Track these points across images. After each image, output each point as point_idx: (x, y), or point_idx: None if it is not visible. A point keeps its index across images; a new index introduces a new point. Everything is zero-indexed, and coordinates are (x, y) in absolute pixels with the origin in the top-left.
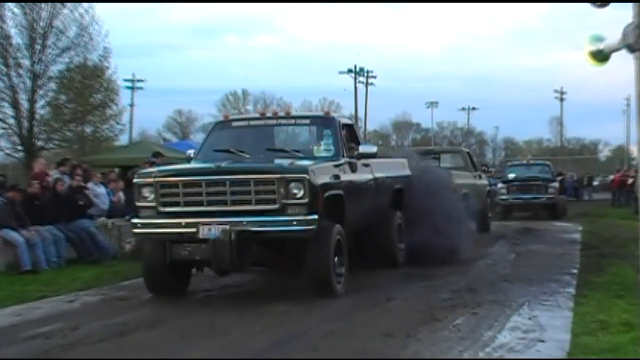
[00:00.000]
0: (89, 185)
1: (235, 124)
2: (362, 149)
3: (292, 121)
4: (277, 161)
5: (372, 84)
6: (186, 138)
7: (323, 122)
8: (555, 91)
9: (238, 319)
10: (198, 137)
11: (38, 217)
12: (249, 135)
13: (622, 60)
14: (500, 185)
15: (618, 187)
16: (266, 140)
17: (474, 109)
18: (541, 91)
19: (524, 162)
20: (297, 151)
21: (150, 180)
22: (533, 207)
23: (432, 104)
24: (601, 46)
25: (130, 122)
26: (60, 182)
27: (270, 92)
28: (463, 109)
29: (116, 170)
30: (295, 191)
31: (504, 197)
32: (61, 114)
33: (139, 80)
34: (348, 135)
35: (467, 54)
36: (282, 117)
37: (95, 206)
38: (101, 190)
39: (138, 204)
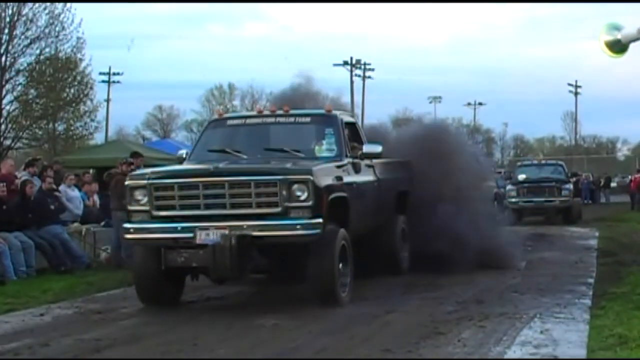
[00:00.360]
0: (61, 188)
1: (230, 122)
2: (366, 148)
3: (292, 119)
4: (279, 162)
5: (369, 77)
6: (167, 136)
7: (324, 120)
8: (570, 85)
9: (224, 334)
10: (180, 136)
11: (5, 222)
12: (245, 134)
13: None
14: (509, 187)
15: (638, 189)
16: (263, 140)
17: (480, 104)
18: (554, 85)
19: (535, 162)
20: (298, 151)
21: (144, 182)
22: (545, 210)
23: (435, 99)
24: (618, 36)
25: (107, 119)
26: (29, 185)
27: (259, 86)
28: (469, 104)
29: (91, 171)
30: (298, 193)
31: (513, 200)
32: (31, 110)
33: (115, 74)
34: (350, 134)
35: (473, 45)
36: (280, 115)
37: (68, 211)
38: (74, 193)
39: (130, 207)
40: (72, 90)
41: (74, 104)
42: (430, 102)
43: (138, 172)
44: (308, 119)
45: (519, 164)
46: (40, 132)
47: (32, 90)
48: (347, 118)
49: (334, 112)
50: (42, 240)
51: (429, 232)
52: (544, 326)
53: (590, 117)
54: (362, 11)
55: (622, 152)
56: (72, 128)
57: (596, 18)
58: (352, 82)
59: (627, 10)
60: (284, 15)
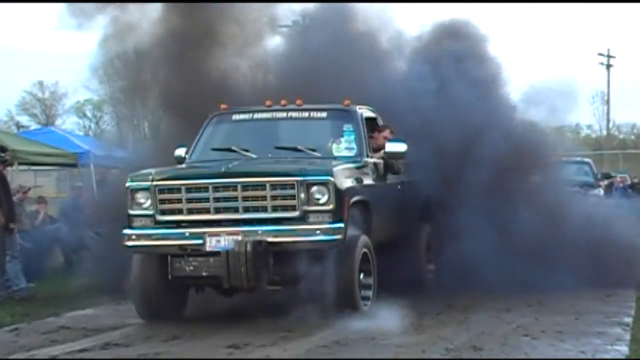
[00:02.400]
0: None
1: (235, 117)
2: (389, 147)
3: (306, 114)
4: (296, 162)
5: None
6: (51, 123)
7: (342, 115)
8: (600, 55)
9: None
10: (69, 122)
11: None
12: (253, 130)
13: None
14: None
15: None
16: (274, 137)
17: None
18: (578, 55)
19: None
20: (313, 150)
21: (147, 184)
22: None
23: None
24: None
25: None
26: None
27: None
28: None
29: None
30: (318, 196)
31: None
32: None
33: None
34: (371, 131)
35: None
36: (292, 109)
37: None
38: None
39: (131, 211)
40: None
41: None
42: None
43: (140, 172)
44: (324, 114)
45: None
46: None
47: None
48: (367, 113)
49: (353, 106)
50: None
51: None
52: None
53: (629, 99)
54: None
55: None
56: None
57: None
58: None
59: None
60: None
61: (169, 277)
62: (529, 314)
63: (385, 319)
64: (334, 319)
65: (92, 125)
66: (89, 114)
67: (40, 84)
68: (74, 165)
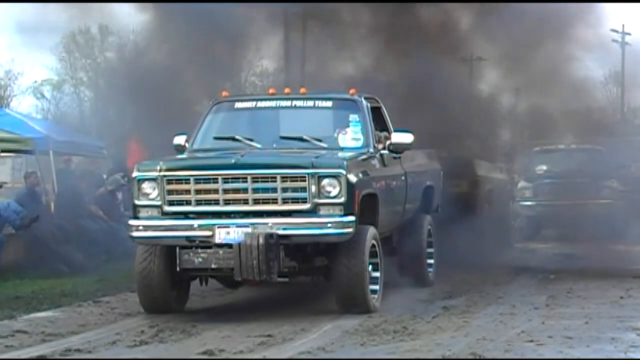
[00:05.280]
0: None
1: (238, 104)
2: (396, 138)
3: (310, 103)
4: (307, 153)
5: None
6: (5, 105)
7: (349, 104)
8: (613, 31)
9: None
10: (26, 105)
11: None
12: (256, 119)
13: None
14: (522, 184)
15: None
16: (278, 126)
17: (479, 59)
18: (589, 31)
19: (562, 146)
20: (319, 140)
21: (155, 174)
22: (577, 219)
23: None
24: None
25: None
26: None
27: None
28: (463, 58)
29: None
30: (329, 189)
31: (529, 203)
32: None
33: None
34: (376, 121)
35: None
36: (297, 98)
37: None
38: None
39: (137, 202)
40: None
41: None
42: None
43: (147, 162)
44: (329, 104)
45: (537, 149)
46: None
47: None
48: (373, 102)
49: (359, 95)
50: None
51: None
52: None
53: None
54: None
55: None
56: None
57: None
58: None
59: None
60: None
61: (177, 268)
62: (535, 317)
63: (379, 320)
64: (321, 320)
65: (52, 108)
66: (47, 95)
67: None
68: (30, 152)
